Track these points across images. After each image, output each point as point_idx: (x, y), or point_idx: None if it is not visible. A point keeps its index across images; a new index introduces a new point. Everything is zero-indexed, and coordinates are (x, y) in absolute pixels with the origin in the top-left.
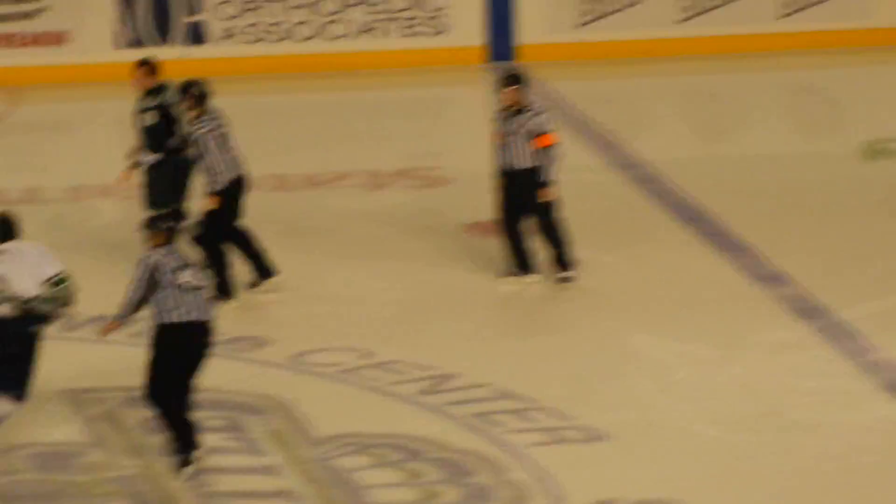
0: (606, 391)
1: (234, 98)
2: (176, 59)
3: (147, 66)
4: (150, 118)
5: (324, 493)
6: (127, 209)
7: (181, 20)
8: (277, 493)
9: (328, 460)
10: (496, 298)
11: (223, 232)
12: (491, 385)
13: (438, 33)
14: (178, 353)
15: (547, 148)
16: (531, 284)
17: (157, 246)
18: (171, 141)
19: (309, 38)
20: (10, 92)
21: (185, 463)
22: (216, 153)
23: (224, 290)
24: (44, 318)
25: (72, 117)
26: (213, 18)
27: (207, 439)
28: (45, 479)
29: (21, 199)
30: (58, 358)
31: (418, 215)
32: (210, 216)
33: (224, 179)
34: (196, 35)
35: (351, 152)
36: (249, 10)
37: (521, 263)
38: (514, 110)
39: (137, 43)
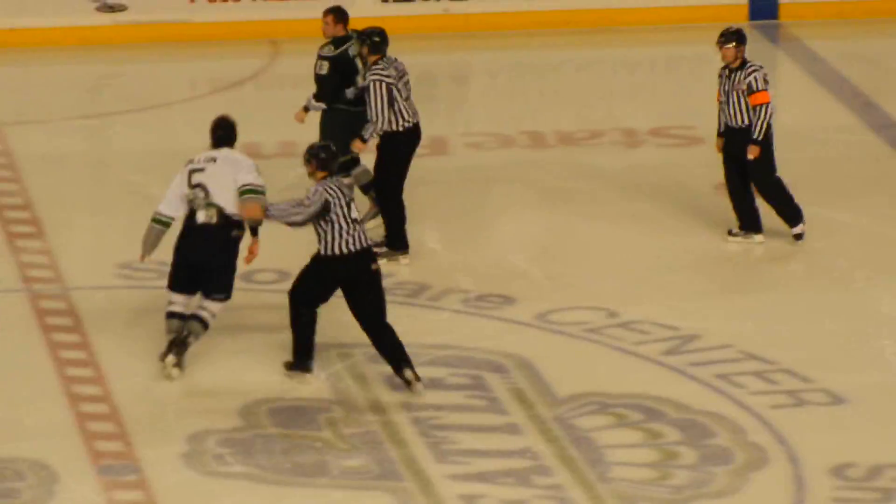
0: (849, 353)
1: (493, 54)
2: (438, 13)
3: (335, 13)
4: (325, 67)
5: (564, 452)
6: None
7: None
8: (518, 452)
9: (569, 420)
10: (736, 259)
11: (395, 181)
12: (733, 346)
13: None
14: (334, 281)
15: (758, 106)
16: (758, 244)
17: (324, 178)
18: (347, 92)
19: None
20: (269, 45)
21: (292, 367)
22: (383, 100)
23: (397, 242)
24: (241, 225)
25: None
26: None
27: (451, 397)
28: (288, 434)
29: (276, 152)
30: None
31: (671, 174)
32: (381, 164)
33: (391, 127)
34: None
35: (607, 110)
36: None
37: (746, 223)
38: (733, 68)
39: None
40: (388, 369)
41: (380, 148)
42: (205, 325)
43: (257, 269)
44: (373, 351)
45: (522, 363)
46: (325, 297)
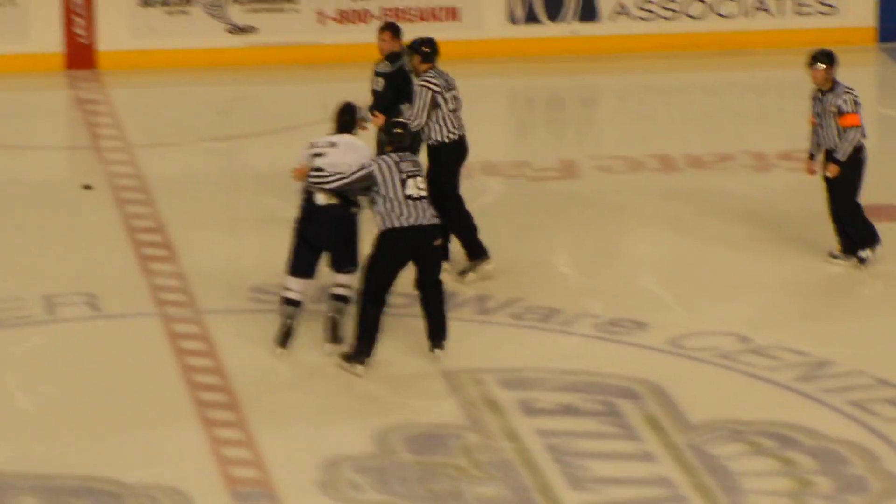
0: None
1: (621, 77)
2: (567, 35)
3: (391, 30)
4: (380, 84)
5: (698, 480)
6: (513, 186)
7: None
8: (653, 480)
9: (703, 447)
10: (864, 282)
11: (451, 193)
12: (865, 372)
13: (829, 13)
14: (395, 257)
15: (847, 129)
16: (854, 266)
17: (392, 151)
18: (402, 108)
19: (701, 17)
20: None
21: (347, 359)
22: (426, 105)
23: (475, 251)
24: (358, 203)
25: (463, 93)
26: None
27: (584, 423)
28: (422, 461)
29: None
30: (460, 339)
31: (800, 198)
32: (433, 178)
33: (438, 138)
34: (588, 12)
35: (736, 133)
36: None
37: (846, 245)
38: (825, 90)
39: (530, 19)
40: (521, 395)
41: (430, 160)
42: (345, 299)
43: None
44: (506, 376)
45: (655, 389)
46: (389, 279)
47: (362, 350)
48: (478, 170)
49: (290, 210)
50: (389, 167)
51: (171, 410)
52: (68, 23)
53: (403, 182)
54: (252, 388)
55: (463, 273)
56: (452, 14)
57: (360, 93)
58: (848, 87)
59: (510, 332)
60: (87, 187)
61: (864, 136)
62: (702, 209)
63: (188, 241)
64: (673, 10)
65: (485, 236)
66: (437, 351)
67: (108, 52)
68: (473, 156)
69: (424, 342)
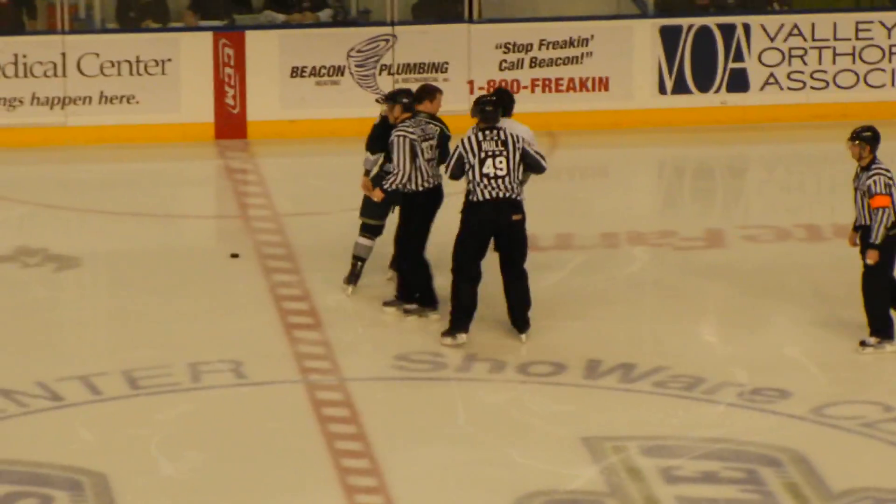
0: None
1: (769, 146)
2: (716, 106)
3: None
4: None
5: None
6: (659, 255)
7: (723, 67)
8: None
9: None
10: None
11: (416, 242)
12: None
13: None
14: (480, 228)
15: (877, 210)
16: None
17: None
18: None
19: (850, 87)
20: (547, 137)
21: (448, 333)
22: (406, 155)
23: (428, 300)
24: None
25: (609, 162)
26: (755, 65)
27: (725, 490)
28: None
29: (553, 245)
30: (581, 404)
31: None
32: (402, 223)
33: (411, 186)
34: (738, 82)
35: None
36: (795, 56)
37: (877, 328)
38: (862, 167)
39: (680, 89)
40: (663, 463)
41: (402, 208)
42: None
43: (532, 361)
44: (648, 444)
45: (797, 457)
46: (478, 253)
47: (457, 325)
48: (624, 239)
49: (442, 284)
50: (471, 143)
51: (314, 476)
52: (219, 93)
53: (482, 161)
54: (394, 455)
55: (407, 311)
56: (603, 84)
57: None
58: (882, 168)
59: (654, 401)
60: (235, 256)
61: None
62: (848, 279)
63: (333, 309)
64: (822, 80)
65: (630, 305)
66: (521, 336)
67: (257, 121)
68: (620, 225)
69: (566, 410)
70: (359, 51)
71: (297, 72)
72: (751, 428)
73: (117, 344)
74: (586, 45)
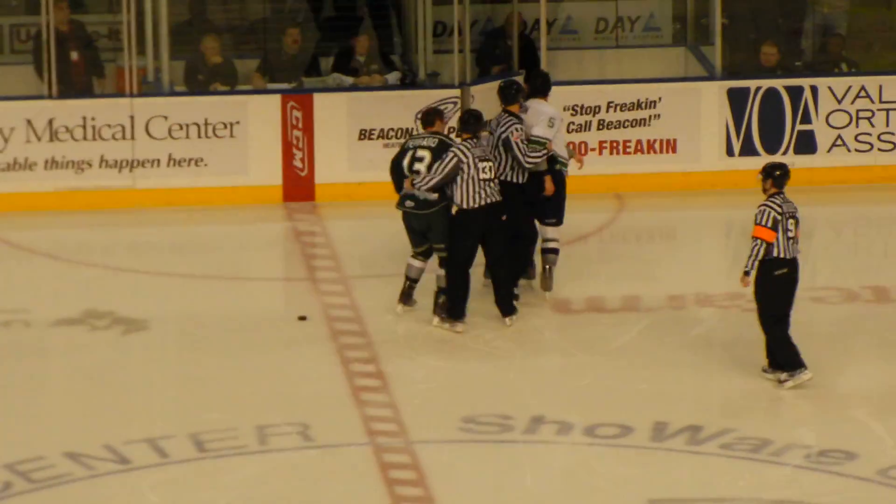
0: None
1: (837, 208)
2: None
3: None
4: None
5: None
6: (727, 317)
7: (791, 129)
8: None
9: None
10: None
11: (463, 255)
12: None
13: None
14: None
15: (752, 238)
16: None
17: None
18: None
19: None
20: (616, 198)
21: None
22: (447, 171)
23: (456, 312)
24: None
25: (676, 224)
26: (822, 127)
27: None
28: None
29: (620, 306)
30: (647, 466)
31: None
32: (452, 236)
33: (466, 204)
34: (805, 144)
35: None
36: (862, 118)
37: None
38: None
39: (747, 151)
40: None
41: (452, 221)
42: (556, 251)
43: (599, 423)
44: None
45: None
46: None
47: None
48: (692, 300)
49: (503, 340)
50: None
51: None
52: (287, 156)
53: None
54: None
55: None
56: (671, 146)
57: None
58: (769, 201)
59: (721, 463)
60: (303, 318)
61: (779, 254)
62: None
63: (401, 372)
64: (890, 142)
65: (696, 366)
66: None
67: (325, 183)
68: (688, 286)
69: (633, 472)
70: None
71: (364, 134)
72: (818, 490)
73: (184, 407)
74: (654, 108)
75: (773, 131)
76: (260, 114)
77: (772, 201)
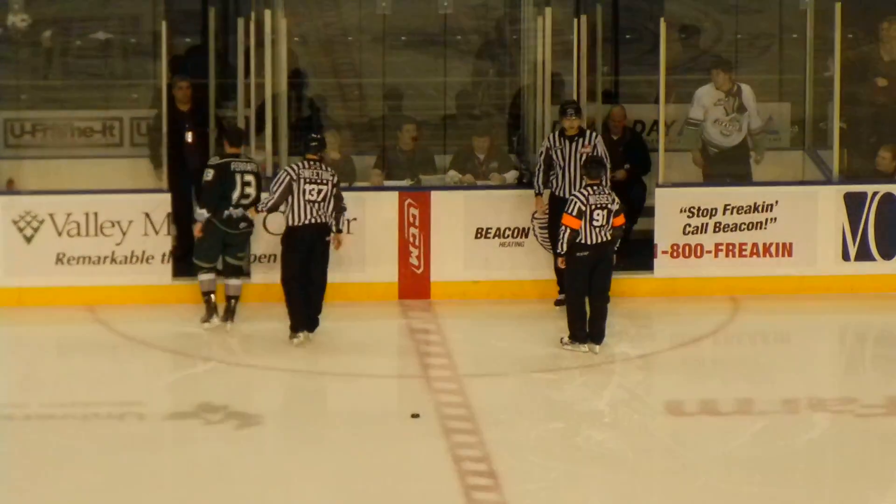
0: None
1: None
2: None
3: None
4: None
5: None
6: (840, 422)
7: None
8: None
9: None
10: None
11: (291, 270)
12: None
13: None
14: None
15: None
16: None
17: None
18: None
19: None
20: (731, 301)
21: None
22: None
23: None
24: None
25: (791, 328)
26: None
27: None
28: None
29: (733, 410)
30: None
31: None
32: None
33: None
34: None
35: None
36: None
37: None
38: None
39: (863, 256)
40: None
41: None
42: None
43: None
44: None
45: None
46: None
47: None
48: (805, 405)
49: (621, 441)
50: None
51: None
52: (403, 253)
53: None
54: None
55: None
56: (787, 250)
57: (696, 326)
58: (578, 192)
59: None
60: (416, 416)
61: (580, 241)
62: None
63: (513, 470)
64: None
65: (810, 472)
66: None
67: (440, 282)
68: (801, 391)
69: None
70: (544, 212)
71: (481, 233)
72: None
73: (295, 503)
74: (770, 211)
75: (889, 236)
76: (377, 210)
77: (581, 192)
